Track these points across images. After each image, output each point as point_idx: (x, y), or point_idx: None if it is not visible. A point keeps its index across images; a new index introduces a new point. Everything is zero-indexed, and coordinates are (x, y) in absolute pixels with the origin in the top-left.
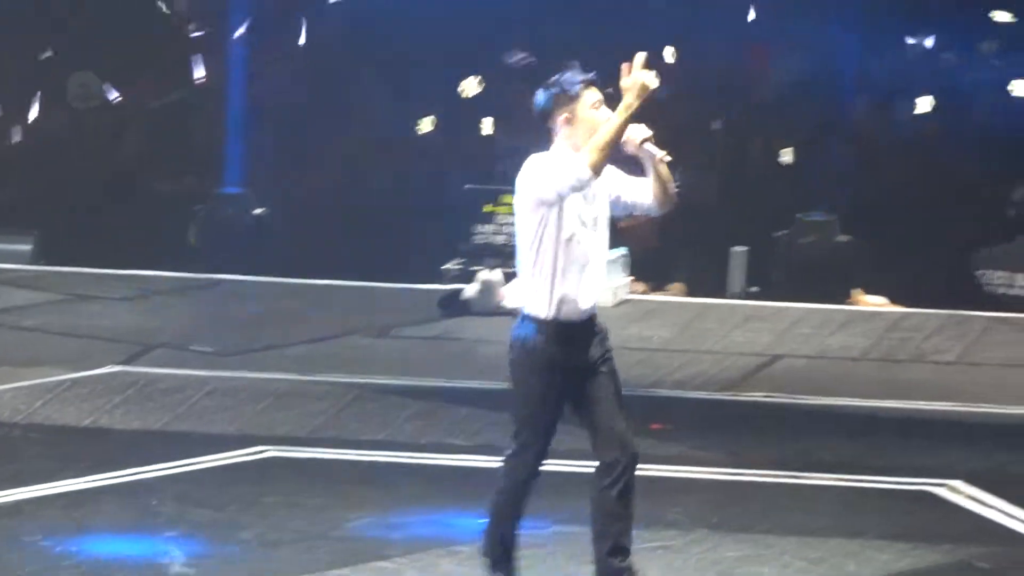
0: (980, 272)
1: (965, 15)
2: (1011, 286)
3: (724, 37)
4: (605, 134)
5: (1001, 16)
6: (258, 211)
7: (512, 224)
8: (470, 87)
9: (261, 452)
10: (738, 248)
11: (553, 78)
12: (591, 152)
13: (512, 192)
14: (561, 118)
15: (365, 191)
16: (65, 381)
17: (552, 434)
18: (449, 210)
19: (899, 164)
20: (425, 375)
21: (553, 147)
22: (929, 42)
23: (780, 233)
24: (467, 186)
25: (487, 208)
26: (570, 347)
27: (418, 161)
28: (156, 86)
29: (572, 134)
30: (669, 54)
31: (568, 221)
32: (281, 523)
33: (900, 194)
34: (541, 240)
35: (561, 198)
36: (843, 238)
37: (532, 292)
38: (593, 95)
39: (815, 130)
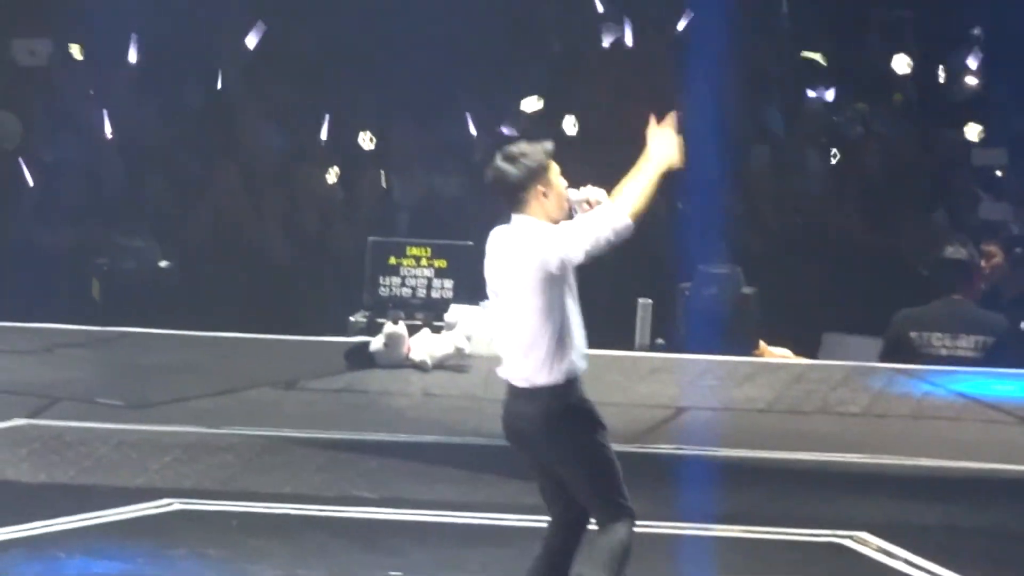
0: (915, 334)
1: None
2: (943, 347)
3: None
4: (644, 188)
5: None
6: (162, 264)
7: (417, 277)
8: (367, 140)
9: (167, 505)
10: (643, 300)
11: (515, 150)
12: (631, 204)
13: (418, 245)
14: (537, 190)
15: (269, 243)
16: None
17: None
18: (354, 262)
19: (802, 215)
20: (331, 427)
21: (525, 217)
22: (830, 95)
23: (684, 285)
24: (371, 238)
25: (392, 260)
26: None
27: (322, 213)
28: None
29: (546, 204)
30: (570, 124)
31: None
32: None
33: (803, 246)
34: (558, 306)
35: (590, 257)
36: (747, 290)
37: (552, 359)
38: (555, 165)
39: (715, 182)
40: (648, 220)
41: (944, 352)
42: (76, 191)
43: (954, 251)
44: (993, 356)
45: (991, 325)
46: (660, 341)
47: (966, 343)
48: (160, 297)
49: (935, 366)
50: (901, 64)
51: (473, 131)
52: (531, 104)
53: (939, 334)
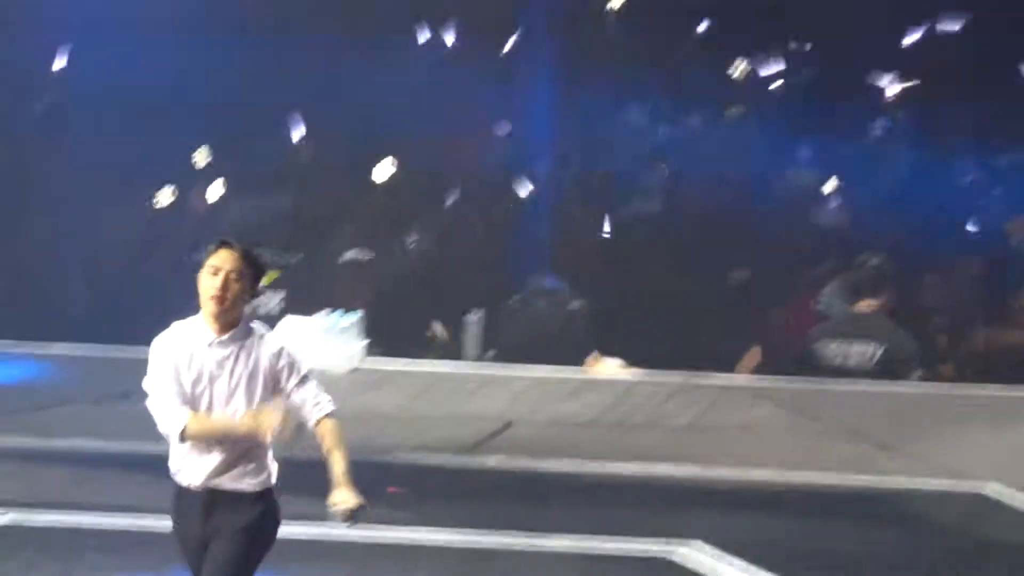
0: (818, 340)
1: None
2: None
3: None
4: (215, 428)
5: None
6: None
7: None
8: (202, 156)
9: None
10: (472, 314)
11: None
12: (197, 430)
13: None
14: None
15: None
16: None
17: None
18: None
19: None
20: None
21: None
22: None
23: (513, 298)
24: (195, 254)
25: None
26: None
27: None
28: None
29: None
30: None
31: None
32: None
33: (635, 259)
34: None
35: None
36: (576, 303)
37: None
38: (215, 259)
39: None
40: (480, 232)
41: None
42: None
43: None
44: None
45: None
46: (490, 353)
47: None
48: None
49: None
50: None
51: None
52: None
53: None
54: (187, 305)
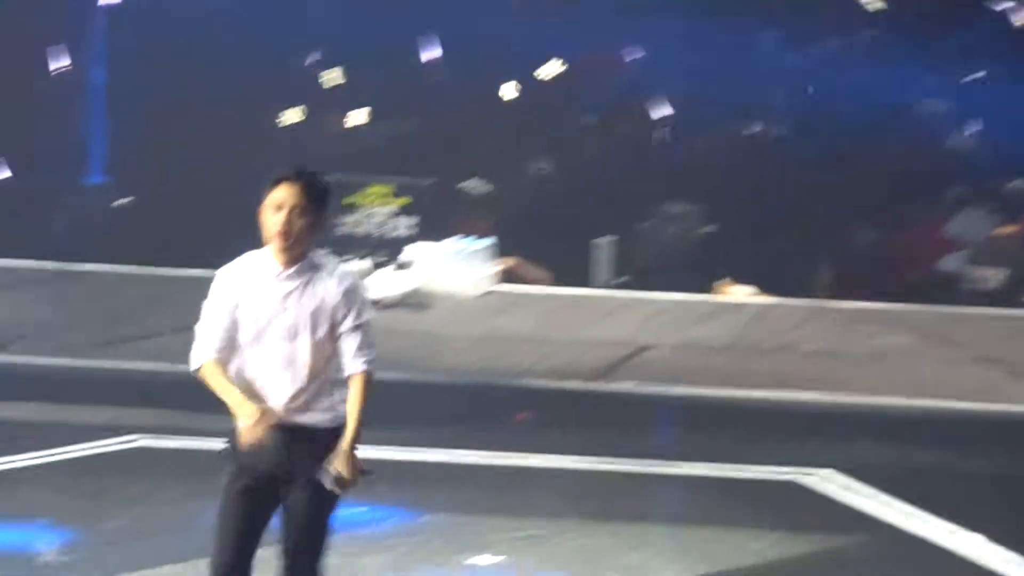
0: (952, 265)
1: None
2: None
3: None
4: (222, 391)
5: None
6: (121, 201)
7: (378, 215)
8: (333, 78)
9: (131, 441)
10: (603, 238)
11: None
12: (206, 377)
13: (380, 182)
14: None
15: (228, 181)
16: None
17: None
18: None
19: (768, 157)
20: None
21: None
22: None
23: (645, 223)
24: (334, 175)
25: (353, 198)
26: None
27: (281, 152)
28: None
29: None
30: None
31: None
32: (150, 511)
33: (769, 185)
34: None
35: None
36: (708, 228)
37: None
38: (277, 194)
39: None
40: (612, 157)
41: None
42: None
43: None
44: None
45: None
46: (622, 279)
47: None
48: (120, 235)
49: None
50: None
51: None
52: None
53: None
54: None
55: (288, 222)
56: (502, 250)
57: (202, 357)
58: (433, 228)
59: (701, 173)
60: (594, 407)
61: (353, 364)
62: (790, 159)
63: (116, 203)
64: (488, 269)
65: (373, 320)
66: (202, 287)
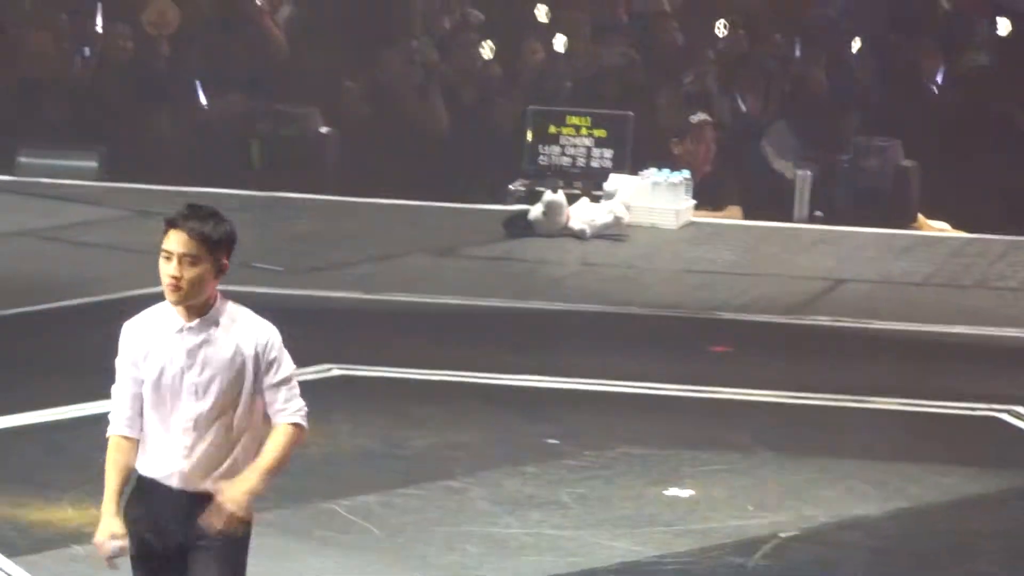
0: None
1: None
2: None
3: None
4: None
5: None
6: (323, 130)
7: (577, 146)
8: (540, 13)
9: (327, 370)
10: (802, 172)
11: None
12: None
13: (578, 114)
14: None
15: (431, 111)
16: (127, 299)
17: None
18: (513, 131)
19: (966, 88)
20: (488, 295)
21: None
22: None
23: (843, 157)
24: (531, 107)
25: (552, 130)
26: None
27: (482, 82)
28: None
29: None
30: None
31: None
32: (347, 441)
33: (965, 119)
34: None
35: None
36: (906, 163)
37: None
38: (166, 242)
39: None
40: (806, 89)
41: None
42: (241, 62)
43: None
44: None
45: None
46: (819, 213)
47: None
48: (319, 164)
49: None
50: None
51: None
52: None
53: None
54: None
55: (178, 274)
56: (699, 182)
57: (111, 430)
58: (627, 160)
59: (901, 106)
60: (790, 341)
61: (282, 415)
62: (994, 90)
63: (319, 130)
64: (686, 201)
65: (295, 374)
66: (404, 216)
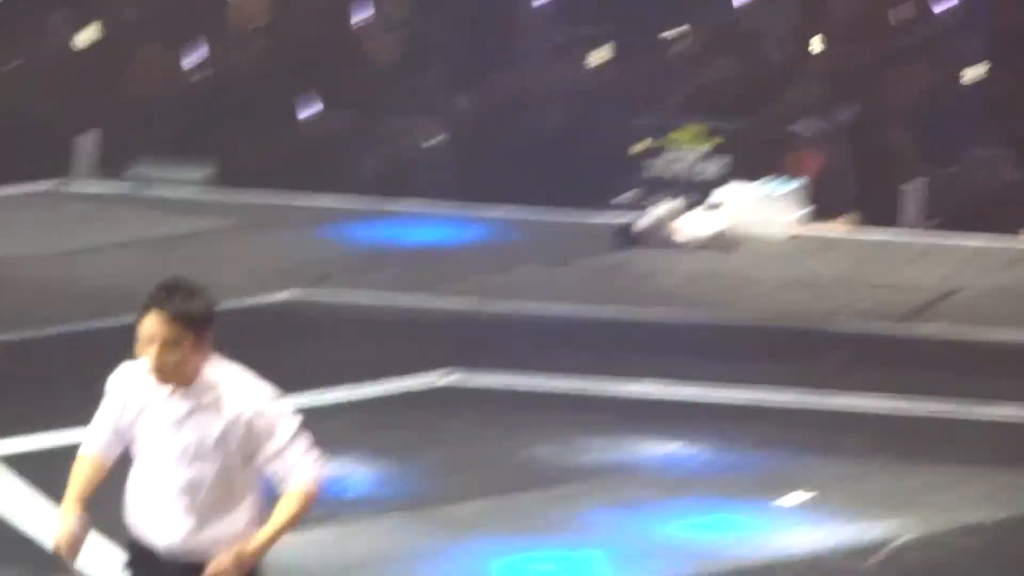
0: None
1: None
2: None
3: None
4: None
5: None
6: (436, 140)
7: (686, 156)
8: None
9: (443, 377)
10: (914, 181)
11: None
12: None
13: (689, 123)
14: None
15: (541, 121)
16: (242, 308)
17: None
18: (623, 142)
19: None
20: (600, 304)
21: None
22: None
23: (954, 167)
24: (641, 118)
25: (662, 139)
26: None
27: (592, 92)
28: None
29: None
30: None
31: None
32: (464, 447)
33: None
34: None
35: None
36: (1017, 173)
37: None
38: (144, 327)
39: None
40: (921, 100)
41: None
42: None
43: None
44: None
45: None
46: (930, 222)
47: None
48: (433, 174)
49: None
50: None
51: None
52: None
53: None
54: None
55: (159, 360)
56: (812, 192)
57: (82, 449)
58: (737, 170)
59: (1010, 115)
60: (902, 349)
61: (286, 485)
62: None
63: (430, 141)
64: (797, 212)
65: (304, 434)
66: (517, 226)
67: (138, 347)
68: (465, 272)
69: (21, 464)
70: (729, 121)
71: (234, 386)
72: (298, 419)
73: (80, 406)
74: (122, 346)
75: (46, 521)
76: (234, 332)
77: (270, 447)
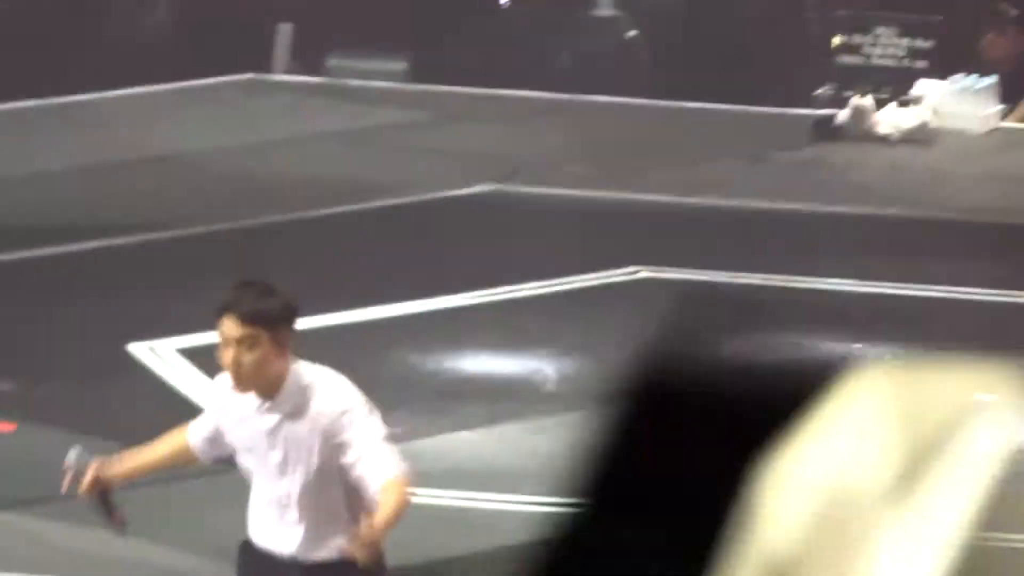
0: None
1: None
2: None
3: None
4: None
5: None
6: (631, 33)
7: (886, 49)
8: None
9: (634, 273)
10: None
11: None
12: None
13: (887, 18)
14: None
15: (739, 14)
16: (436, 201)
17: None
18: (822, 34)
19: None
20: (796, 199)
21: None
22: None
23: None
24: (839, 11)
25: (861, 34)
26: None
27: None
28: None
29: None
30: None
31: None
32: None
33: None
34: None
35: None
36: None
37: None
38: (222, 329)
39: None
40: None
41: None
42: None
43: None
44: None
45: None
46: None
47: None
48: (628, 67)
49: None
50: None
51: None
52: None
53: None
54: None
55: (236, 363)
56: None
57: (188, 429)
58: (936, 64)
59: None
60: None
61: (382, 477)
62: None
63: (626, 35)
64: (992, 108)
65: (389, 433)
66: (713, 120)
67: (220, 355)
68: (659, 167)
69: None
70: (929, 13)
71: (320, 393)
72: (378, 417)
73: None
74: (318, 239)
75: None
76: (428, 225)
77: (358, 449)
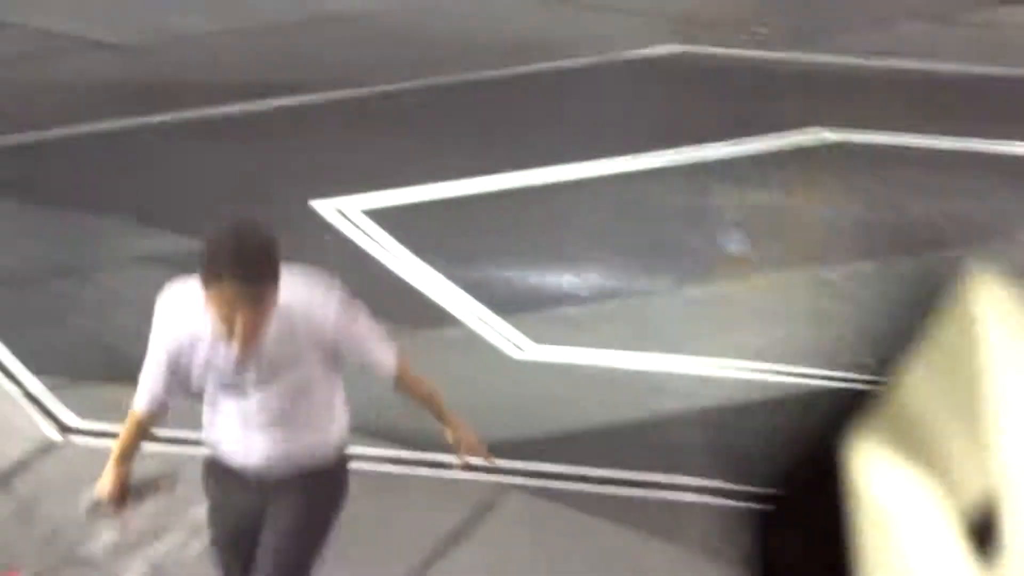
0: None
1: None
2: None
3: None
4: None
5: None
6: None
7: None
8: None
9: (818, 134)
10: None
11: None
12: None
13: None
14: None
15: None
16: (622, 61)
17: None
18: None
19: None
20: (983, 62)
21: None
22: None
23: None
24: None
25: None
26: None
27: None
28: None
29: None
30: None
31: None
32: (840, 207)
33: None
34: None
35: None
36: None
37: None
38: (223, 291)
39: None
40: None
41: None
42: None
43: None
44: None
45: None
46: None
47: None
48: None
49: None
50: None
51: None
52: None
53: None
54: None
55: (247, 324)
56: None
57: (134, 404)
58: None
59: None
60: None
61: (389, 363)
62: None
63: None
64: None
65: (373, 324)
66: None
67: (216, 311)
68: (845, 28)
69: (387, 217)
70: None
71: (299, 304)
72: (361, 306)
73: (443, 158)
74: (500, 98)
75: (412, 269)
76: (614, 85)
77: (355, 351)
